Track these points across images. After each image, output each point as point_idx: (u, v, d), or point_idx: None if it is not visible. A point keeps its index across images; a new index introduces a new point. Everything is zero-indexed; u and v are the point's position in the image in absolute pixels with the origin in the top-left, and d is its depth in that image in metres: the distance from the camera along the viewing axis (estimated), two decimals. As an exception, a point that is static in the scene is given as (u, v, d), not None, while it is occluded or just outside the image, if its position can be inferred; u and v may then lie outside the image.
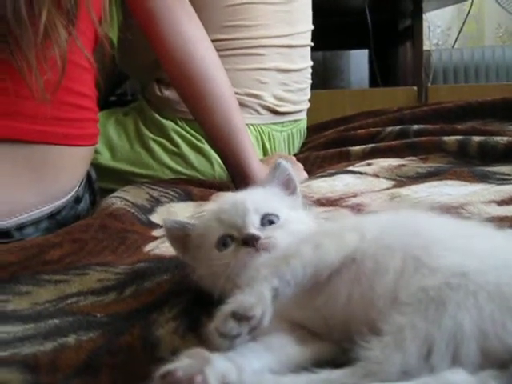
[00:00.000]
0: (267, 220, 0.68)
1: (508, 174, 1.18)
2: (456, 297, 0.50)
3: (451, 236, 0.59)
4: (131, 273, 0.84)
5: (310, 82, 1.92)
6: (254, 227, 0.66)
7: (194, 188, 1.39)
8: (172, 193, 1.32)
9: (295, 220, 0.70)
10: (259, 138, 1.70)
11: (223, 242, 0.67)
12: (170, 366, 0.48)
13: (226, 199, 0.73)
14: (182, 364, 0.48)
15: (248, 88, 1.66)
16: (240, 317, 0.51)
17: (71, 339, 0.64)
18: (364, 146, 1.64)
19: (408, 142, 1.56)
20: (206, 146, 1.59)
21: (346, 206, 1.14)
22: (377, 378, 0.47)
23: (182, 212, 1.24)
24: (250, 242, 0.64)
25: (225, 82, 1.37)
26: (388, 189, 1.26)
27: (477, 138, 1.40)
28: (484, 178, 1.18)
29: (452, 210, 0.99)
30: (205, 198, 1.31)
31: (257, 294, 0.53)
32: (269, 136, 1.74)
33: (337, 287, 0.57)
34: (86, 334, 0.65)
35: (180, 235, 0.74)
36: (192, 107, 1.39)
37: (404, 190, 1.20)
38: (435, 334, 0.48)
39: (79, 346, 0.63)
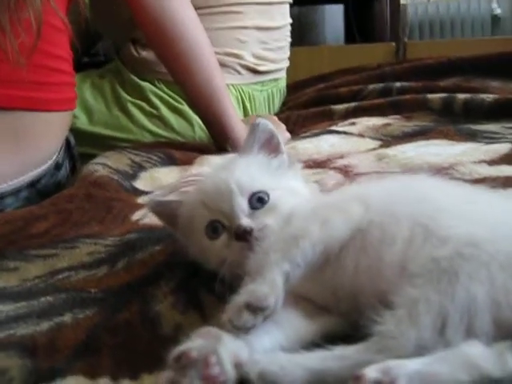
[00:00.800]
0: (256, 199, 0.64)
1: (496, 133, 1.18)
2: (468, 267, 0.49)
3: (458, 202, 0.58)
4: (121, 244, 0.81)
5: (290, 40, 1.88)
6: (243, 214, 0.63)
7: (176, 152, 1.35)
8: (154, 157, 1.29)
9: (286, 193, 0.67)
10: (239, 98, 1.67)
11: (213, 229, 0.65)
12: (183, 347, 0.46)
13: (207, 179, 0.70)
14: (194, 344, 0.47)
15: (227, 47, 1.61)
16: (254, 308, 0.49)
17: (67, 318, 0.62)
18: (347, 105, 1.62)
19: (392, 100, 1.55)
20: (185, 108, 1.55)
21: (334, 168, 1.13)
22: (392, 354, 0.45)
23: (166, 177, 1.21)
24: (242, 236, 0.62)
25: (205, 41, 1.33)
26: (374, 149, 1.24)
27: (461, 96, 1.38)
28: (472, 137, 1.17)
29: (443, 170, 0.99)
30: (188, 162, 1.28)
31: (269, 282, 0.51)
32: (249, 96, 1.70)
33: (344, 259, 0.56)
34: (82, 312, 0.63)
35: (166, 214, 0.72)
36: (171, 68, 1.35)
37: (391, 151, 1.19)
38: (449, 307, 0.47)
39: (76, 324, 0.61)
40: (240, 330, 0.49)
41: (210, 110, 1.35)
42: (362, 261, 0.55)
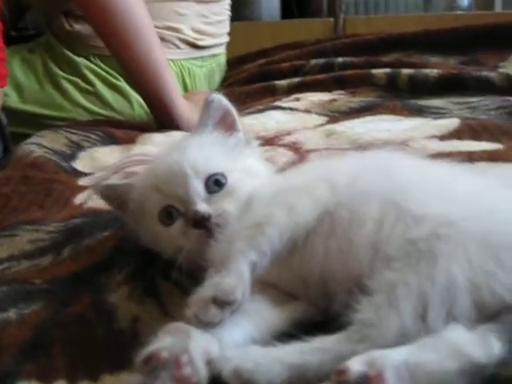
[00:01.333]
0: (213, 182, 0.61)
1: (442, 108, 1.17)
2: (446, 248, 0.47)
3: (426, 178, 0.56)
4: (66, 230, 0.76)
5: (229, 13, 1.83)
6: (199, 199, 0.59)
7: (117, 130, 1.29)
8: (93, 136, 1.22)
9: (244, 175, 0.63)
10: (179, 74, 1.61)
11: (167, 214, 0.61)
12: (152, 348, 0.42)
13: (159, 161, 0.65)
14: (164, 344, 0.43)
15: (166, 21, 1.54)
16: (221, 302, 0.46)
17: (12, 314, 0.57)
18: (289, 80, 1.59)
19: (335, 75, 1.52)
20: (123, 84, 1.48)
21: (283, 145, 1.09)
22: (373, 343, 0.43)
23: (107, 157, 1.15)
24: (200, 223, 0.58)
25: (144, 14, 1.26)
26: (322, 125, 1.22)
27: (406, 71, 1.38)
28: (419, 112, 1.16)
29: (395, 146, 0.97)
30: (130, 141, 1.22)
31: (235, 274, 0.48)
32: (189, 72, 1.65)
33: (312, 243, 0.53)
34: (28, 307, 0.58)
35: (115, 198, 0.67)
36: (109, 42, 1.28)
37: (339, 126, 1.17)
38: (429, 291, 0.45)
39: (22, 320, 0.56)
40: (207, 326, 0.46)
41: (150, 86, 1.29)
42: (331, 244, 0.52)
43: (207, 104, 0.66)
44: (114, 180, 0.80)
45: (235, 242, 0.51)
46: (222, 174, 0.62)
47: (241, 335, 0.48)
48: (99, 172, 1.05)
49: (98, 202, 0.83)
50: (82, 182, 1.01)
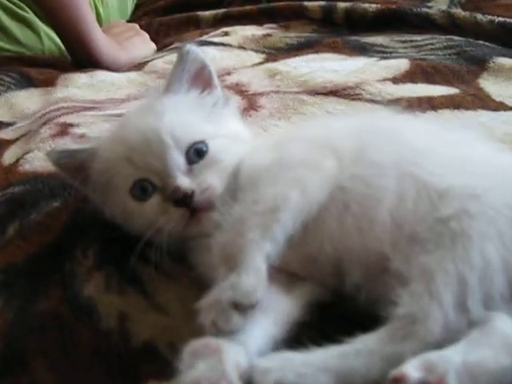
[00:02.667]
0: (194, 152, 0.53)
1: (386, 46, 1.12)
2: (479, 227, 0.43)
3: (440, 145, 0.51)
4: (4, 202, 0.65)
5: None
6: (180, 171, 0.52)
7: (31, 69, 1.14)
8: (7, 78, 1.07)
9: (227, 141, 0.56)
10: (92, 3, 1.45)
11: (141, 189, 0.53)
12: (189, 379, 0.36)
13: (129, 126, 0.56)
14: (199, 372, 0.37)
15: None
16: (243, 307, 0.40)
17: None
18: (214, 12, 1.48)
19: (264, 7, 1.43)
20: (31, 16, 1.31)
21: (226, 87, 1.01)
22: (420, 341, 0.39)
23: (26, 103, 1.02)
24: (182, 202, 0.51)
25: None
26: (261, 63, 1.14)
27: (342, 5, 1.31)
28: (362, 51, 1.11)
29: (350, 90, 0.92)
30: (49, 83, 1.08)
31: (253, 271, 0.42)
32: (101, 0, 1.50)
33: (325, 222, 0.47)
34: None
35: (73, 167, 0.57)
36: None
37: (281, 66, 1.09)
38: (468, 276, 0.41)
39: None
40: (227, 333, 0.40)
41: (64, 17, 1.15)
42: (346, 222, 0.47)
43: (182, 57, 0.57)
44: (72, 145, 0.69)
45: (246, 233, 0.44)
46: (203, 142, 0.54)
47: (261, 336, 0.42)
48: (22, 121, 0.92)
49: (36, 164, 0.72)
50: (4, 134, 0.88)
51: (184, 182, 0.51)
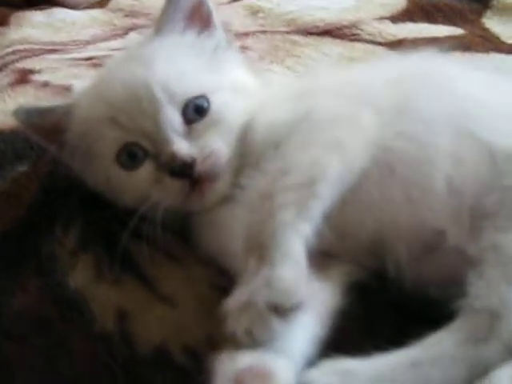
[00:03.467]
0: (193, 108, 0.44)
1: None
2: None
3: (495, 95, 0.43)
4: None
5: None
6: (176, 134, 0.43)
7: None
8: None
9: (231, 94, 0.46)
10: None
11: (129, 155, 0.44)
12: None
13: (112, 78, 0.46)
14: None
15: None
16: (284, 309, 0.32)
17: None
18: None
19: None
20: None
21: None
22: (504, 341, 0.32)
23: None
24: (181, 172, 0.42)
25: None
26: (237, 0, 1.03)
27: None
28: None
29: (346, 30, 0.83)
30: (2, 22, 0.95)
31: (292, 262, 0.34)
32: None
33: (364, 190, 0.39)
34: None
35: (45, 127, 0.48)
36: None
37: (261, 2, 0.99)
38: None
39: None
40: (265, 343, 0.32)
41: None
42: (392, 189, 0.39)
43: None
44: (43, 102, 0.57)
45: (278, 212, 0.35)
46: (204, 97, 0.45)
47: (305, 338, 0.35)
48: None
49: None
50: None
51: (182, 147, 0.42)
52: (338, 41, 0.81)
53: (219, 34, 0.50)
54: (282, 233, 0.35)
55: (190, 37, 0.48)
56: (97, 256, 0.43)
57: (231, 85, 0.47)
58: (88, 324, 0.38)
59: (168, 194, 0.42)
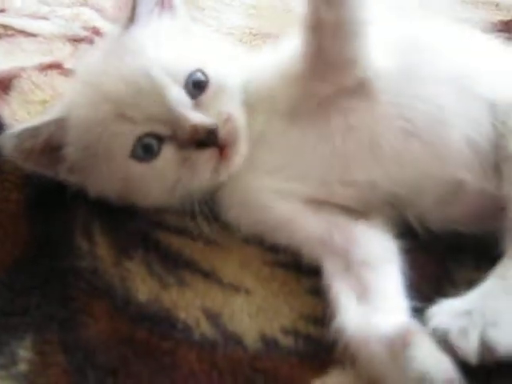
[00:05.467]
0: (192, 84, 0.44)
1: None
2: None
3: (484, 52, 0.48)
4: None
5: None
6: (188, 108, 0.43)
7: None
8: None
9: (217, 60, 0.47)
10: None
11: (144, 147, 0.43)
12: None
13: (101, 76, 0.44)
14: None
15: None
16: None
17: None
18: None
19: None
20: None
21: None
22: None
23: None
24: (206, 139, 0.42)
25: None
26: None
27: None
28: None
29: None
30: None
31: None
32: None
33: (383, 148, 0.43)
34: None
35: (37, 148, 0.43)
36: None
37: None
38: None
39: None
40: None
41: None
42: (415, 148, 0.43)
43: None
44: (27, 122, 0.48)
45: None
46: (200, 70, 0.45)
47: (399, 289, 0.40)
48: None
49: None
50: None
51: (199, 117, 0.42)
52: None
53: (181, 10, 0.49)
54: None
55: (166, 20, 0.47)
56: (144, 260, 0.42)
57: (215, 53, 0.47)
58: (185, 334, 0.37)
59: (198, 169, 0.42)
